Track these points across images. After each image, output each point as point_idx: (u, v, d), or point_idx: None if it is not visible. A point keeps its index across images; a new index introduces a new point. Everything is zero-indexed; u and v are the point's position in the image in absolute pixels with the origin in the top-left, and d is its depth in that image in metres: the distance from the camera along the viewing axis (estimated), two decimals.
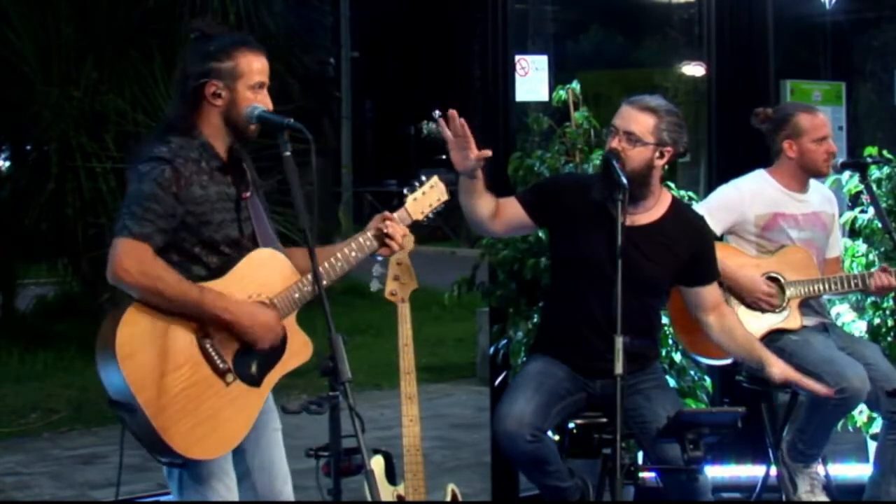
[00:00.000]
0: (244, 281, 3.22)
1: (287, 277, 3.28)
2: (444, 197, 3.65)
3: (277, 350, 3.26)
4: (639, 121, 3.98)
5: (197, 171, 3.18)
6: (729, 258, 4.45)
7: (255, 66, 3.25)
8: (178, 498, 3.27)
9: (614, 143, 3.97)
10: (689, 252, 4.07)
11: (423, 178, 3.62)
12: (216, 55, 3.22)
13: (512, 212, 4.09)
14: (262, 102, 3.25)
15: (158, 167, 3.13)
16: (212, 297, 3.13)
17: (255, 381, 3.22)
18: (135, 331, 3.06)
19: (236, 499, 3.28)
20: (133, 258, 3.07)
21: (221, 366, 3.15)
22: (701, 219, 4.25)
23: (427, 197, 3.61)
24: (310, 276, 3.27)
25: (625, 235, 3.72)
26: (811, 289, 4.44)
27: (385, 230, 3.44)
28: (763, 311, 4.42)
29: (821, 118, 4.57)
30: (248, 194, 3.30)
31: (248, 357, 3.21)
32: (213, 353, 3.14)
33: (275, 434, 3.43)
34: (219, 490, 3.23)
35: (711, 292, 4.12)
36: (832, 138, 4.58)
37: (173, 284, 3.09)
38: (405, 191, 3.59)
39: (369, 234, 3.45)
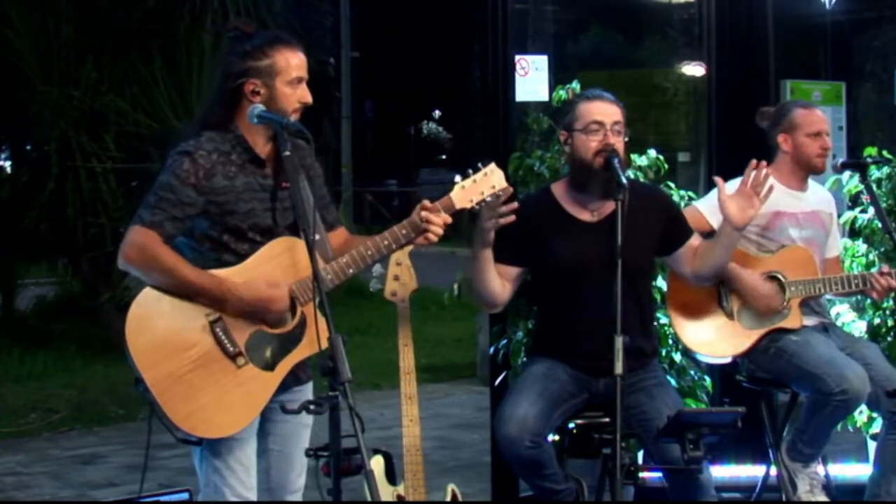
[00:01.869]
0: (263, 267, 3.27)
1: (309, 265, 3.27)
2: (501, 185, 3.47)
3: (295, 336, 3.29)
4: (617, 112, 4.06)
5: (224, 163, 3.26)
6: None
7: (292, 62, 3.30)
8: (199, 470, 3.35)
9: (611, 140, 3.99)
10: (660, 221, 4.11)
11: (480, 164, 3.47)
12: (253, 54, 3.28)
13: (507, 273, 4.09)
14: (301, 97, 3.31)
15: (179, 159, 3.24)
16: (207, 282, 3.19)
17: (268, 366, 3.26)
18: (144, 312, 3.17)
19: (253, 476, 3.34)
20: (138, 244, 3.18)
21: (231, 349, 3.21)
22: (656, 187, 4.38)
23: (478, 185, 3.45)
24: (333, 264, 3.33)
25: (623, 229, 3.77)
26: (812, 288, 4.44)
27: (423, 219, 3.38)
28: (765, 314, 4.41)
29: (817, 114, 4.58)
30: (288, 185, 3.31)
31: (263, 341, 3.26)
32: (222, 337, 3.20)
33: (303, 429, 3.47)
34: (235, 468, 3.29)
35: (690, 248, 4.17)
36: (829, 136, 4.57)
37: (171, 266, 3.17)
38: (456, 178, 3.47)
39: (406, 222, 3.40)
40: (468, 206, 3.46)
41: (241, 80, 3.28)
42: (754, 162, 4.07)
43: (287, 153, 3.16)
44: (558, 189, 4.18)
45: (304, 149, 3.41)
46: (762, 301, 4.40)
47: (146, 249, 3.17)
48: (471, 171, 3.46)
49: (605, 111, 4.04)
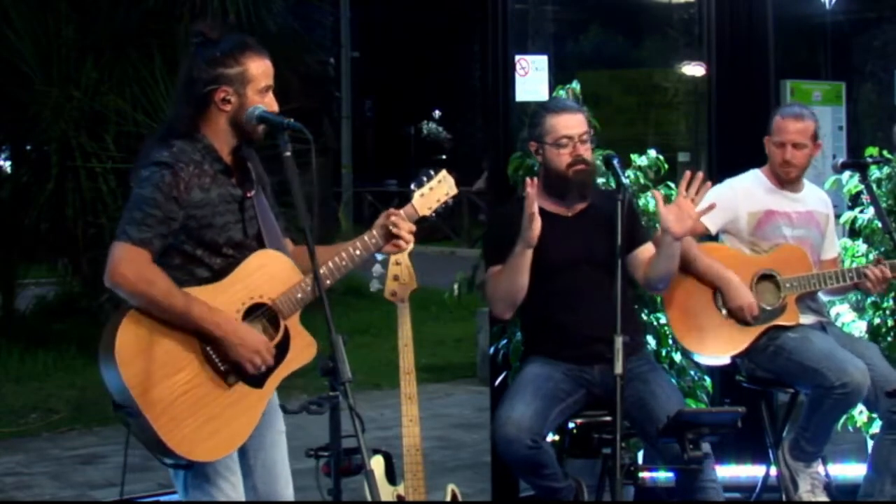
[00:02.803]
0: (244, 283, 3.23)
1: (289, 278, 3.27)
2: (453, 191, 3.60)
3: (280, 350, 3.26)
4: (583, 122, 4.21)
5: (199, 174, 3.20)
6: (724, 259, 4.46)
7: (262, 69, 3.27)
8: (182, 489, 3.28)
9: (580, 151, 4.14)
10: (625, 220, 4.13)
11: (432, 172, 3.58)
12: (223, 61, 3.23)
13: None
14: (268, 105, 3.27)
15: (159, 172, 3.15)
16: (201, 311, 3.13)
17: (257, 383, 3.23)
18: (135, 335, 3.09)
19: (242, 497, 3.29)
20: (131, 264, 3.10)
21: (223, 367, 3.17)
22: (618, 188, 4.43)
23: (435, 192, 3.56)
24: (330, 264, 3.31)
25: (595, 227, 3.92)
26: (806, 284, 4.45)
27: (391, 228, 3.42)
28: (738, 320, 4.40)
29: (785, 123, 4.51)
30: (252, 193, 3.31)
31: None
32: (213, 356, 3.16)
33: (279, 436, 3.44)
34: (225, 489, 3.24)
35: (645, 252, 4.23)
36: (799, 147, 4.48)
37: (165, 293, 3.10)
38: (412, 186, 3.55)
39: (375, 231, 3.43)
40: (428, 213, 3.56)
41: (212, 88, 3.22)
42: (688, 173, 4.10)
43: (287, 153, 3.14)
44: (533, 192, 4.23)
45: (255, 158, 3.38)
46: (743, 309, 4.38)
47: (141, 269, 3.09)
48: (424, 179, 3.56)
49: (571, 124, 4.18)
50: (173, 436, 3.07)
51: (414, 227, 3.48)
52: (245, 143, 3.31)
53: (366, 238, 3.42)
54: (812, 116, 4.58)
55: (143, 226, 3.11)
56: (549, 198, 4.23)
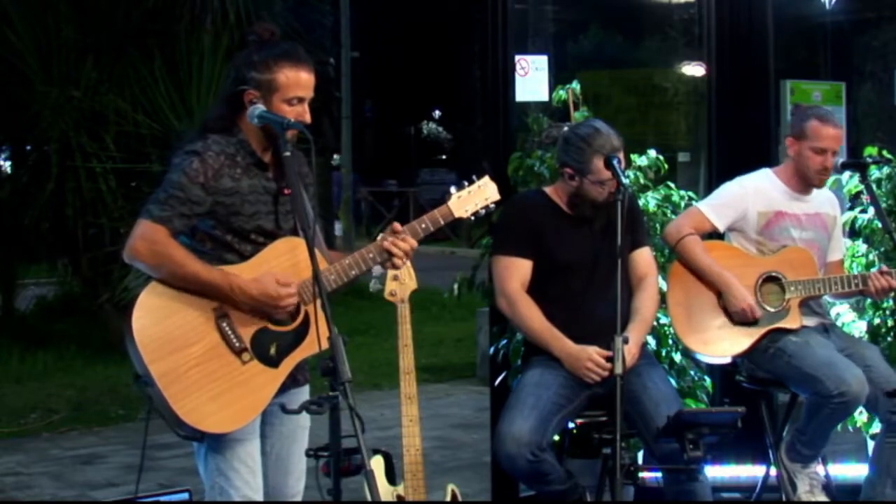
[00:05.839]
0: (269, 265, 3.29)
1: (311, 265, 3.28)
2: (495, 196, 3.59)
3: (298, 334, 3.31)
4: (622, 154, 4.11)
5: (230, 165, 3.29)
6: (729, 258, 4.46)
7: (294, 80, 3.29)
8: (203, 471, 3.34)
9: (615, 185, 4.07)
10: (627, 219, 4.15)
11: (474, 177, 3.59)
12: (257, 66, 3.29)
13: (524, 268, 4.19)
14: (297, 115, 3.28)
15: (188, 158, 3.26)
16: (219, 276, 3.21)
17: (273, 363, 3.28)
18: (151, 306, 3.19)
19: (258, 477, 3.33)
20: (146, 238, 3.21)
21: (237, 345, 3.23)
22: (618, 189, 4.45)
23: (473, 196, 3.56)
24: (336, 265, 3.34)
25: (625, 227, 3.86)
26: (811, 289, 4.44)
27: (386, 248, 3.40)
28: (736, 322, 4.41)
29: (828, 130, 4.48)
30: (289, 190, 3.34)
31: (268, 338, 3.28)
32: (228, 333, 3.23)
33: (300, 431, 3.48)
34: (240, 469, 3.28)
35: (640, 258, 4.27)
36: (835, 155, 4.47)
37: (181, 263, 3.19)
38: (452, 189, 3.55)
39: (372, 248, 3.41)
40: (465, 215, 3.57)
41: (242, 88, 3.30)
42: None
43: (287, 153, 3.17)
44: (551, 191, 4.29)
45: (300, 156, 3.41)
46: (743, 310, 4.39)
47: (156, 244, 3.19)
48: (466, 183, 3.58)
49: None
50: (183, 405, 3.14)
51: (415, 245, 3.44)
52: (275, 147, 3.32)
53: (364, 252, 3.41)
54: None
55: (165, 205, 3.22)
56: (564, 201, 4.23)
